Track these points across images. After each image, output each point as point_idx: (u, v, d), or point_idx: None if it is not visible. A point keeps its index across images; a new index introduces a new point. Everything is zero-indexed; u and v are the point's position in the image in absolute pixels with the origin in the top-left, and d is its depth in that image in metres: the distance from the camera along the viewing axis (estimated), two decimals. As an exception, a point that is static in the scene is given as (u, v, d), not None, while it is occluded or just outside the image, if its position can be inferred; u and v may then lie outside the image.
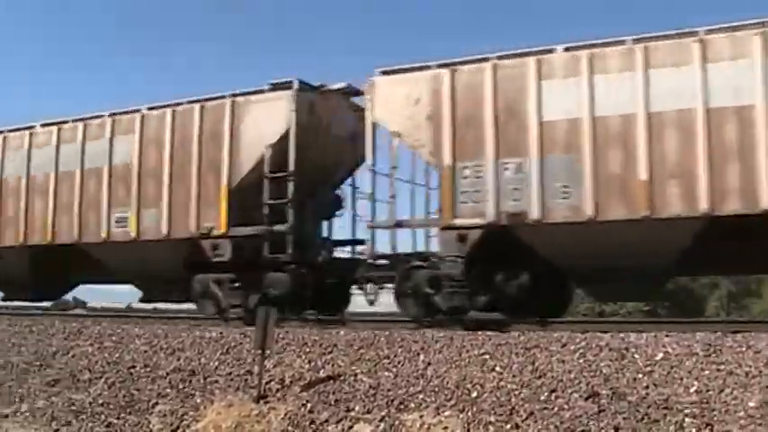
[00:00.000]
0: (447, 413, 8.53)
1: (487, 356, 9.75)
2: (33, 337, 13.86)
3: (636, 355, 9.13)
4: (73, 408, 10.95)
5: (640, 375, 8.61)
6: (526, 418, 8.15)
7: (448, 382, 9.11)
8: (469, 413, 8.43)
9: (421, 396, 8.96)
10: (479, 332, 11.16)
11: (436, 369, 9.57)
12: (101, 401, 10.87)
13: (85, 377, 11.71)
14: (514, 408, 8.34)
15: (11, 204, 18.32)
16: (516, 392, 8.64)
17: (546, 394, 8.48)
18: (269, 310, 10.15)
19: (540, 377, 8.92)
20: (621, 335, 10.14)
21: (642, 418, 7.78)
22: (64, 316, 17.81)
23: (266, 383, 9.98)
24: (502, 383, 8.90)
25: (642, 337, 9.78)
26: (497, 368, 9.33)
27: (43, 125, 18.34)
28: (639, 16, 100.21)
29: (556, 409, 8.21)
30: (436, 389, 9.04)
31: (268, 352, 10.23)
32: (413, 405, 8.83)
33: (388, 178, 14.19)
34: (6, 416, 11.33)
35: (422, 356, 10.07)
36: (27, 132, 18.42)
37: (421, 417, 8.57)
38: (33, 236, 17.87)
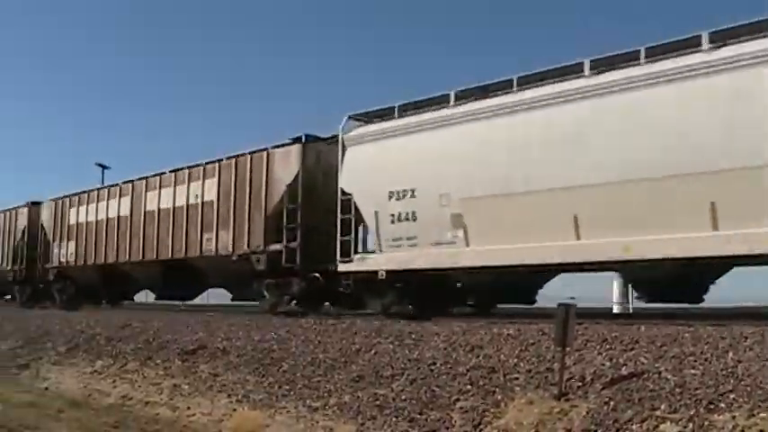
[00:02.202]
0: (762, 415, 8.19)
1: (806, 354, 9.29)
2: (337, 336, 14.76)
3: None
4: (377, 403, 11.55)
5: None
6: None
7: (762, 382, 8.74)
8: (788, 415, 8.06)
9: (732, 396, 8.63)
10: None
11: (747, 367, 9.21)
12: (403, 397, 11.39)
13: (387, 374, 12.32)
14: (840, 411, 7.88)
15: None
16: (843, 394, 8.15)
17: None
18: (569, 306, 10.22)
19: None
20: None
21: None
22: (365, 315, 18.58)
23: (567, 381, 10.03)
24: (825, 383, 8.43)
25: None
26: (819, 367, 8.86)
27: None
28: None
29: None
30: (748, 388, 8.68)
31: (568, 349, 10.30)
32: (723, 405, 8.53)
33: None
34: (316, 409, 12.18)
35: (730, 354, 9.74)
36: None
37: (733, 418, 8.26)
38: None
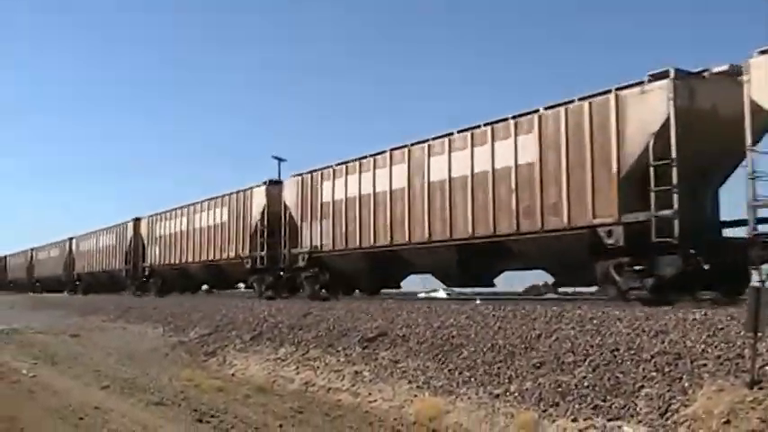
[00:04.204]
0: None
1: None
2: (517, 321, 14.74)
3: None
4: (559, 389, 11.55)
5: None
6: None
7: None
8: None
9: None
10: None
11: None
12: (586, 384, 11.34)
13: (569, 360, 12.27)
14: None
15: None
16: None
17: None
18: (760, 290, 9.88)
19: None
20: None
21: None
22: (542, 300, 18.60)
23: (759, 368, 9.70)
24: None
25: None
26: None
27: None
28: None
29: None
30: None
31: (760, 334, 9.94)
32: None
33: None
34: (497, 396, 12.28)
35: None
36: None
37: None
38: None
